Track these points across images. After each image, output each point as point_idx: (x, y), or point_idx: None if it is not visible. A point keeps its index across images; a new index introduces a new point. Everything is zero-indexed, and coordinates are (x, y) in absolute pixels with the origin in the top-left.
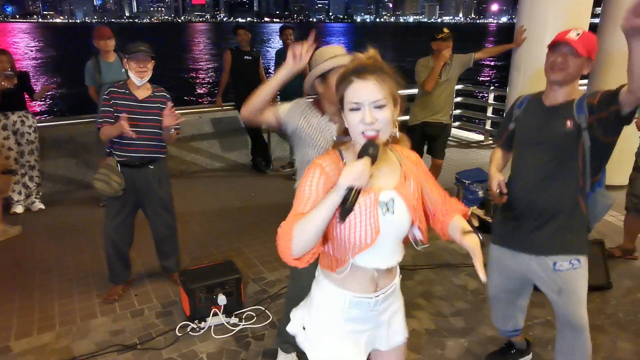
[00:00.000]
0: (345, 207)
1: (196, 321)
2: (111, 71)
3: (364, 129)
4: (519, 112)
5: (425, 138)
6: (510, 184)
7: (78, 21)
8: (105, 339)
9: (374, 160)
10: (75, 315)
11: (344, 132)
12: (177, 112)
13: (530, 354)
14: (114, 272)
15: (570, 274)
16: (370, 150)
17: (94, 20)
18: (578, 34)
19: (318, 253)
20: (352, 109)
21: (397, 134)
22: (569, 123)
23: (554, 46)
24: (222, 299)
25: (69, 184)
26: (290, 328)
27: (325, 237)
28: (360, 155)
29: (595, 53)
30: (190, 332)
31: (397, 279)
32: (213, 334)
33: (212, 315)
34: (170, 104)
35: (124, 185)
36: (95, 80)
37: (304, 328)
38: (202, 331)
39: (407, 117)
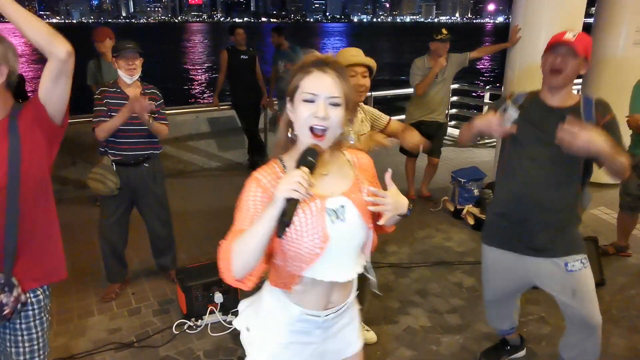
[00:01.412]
0: (283, 220)
1: (193, 319)
2: (112, 71)
3: (314, 123)
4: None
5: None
6: (507, 182)
7: (75, 21)
8: (102, 337)
9: (312, 168)
10: (72, 314)
11: (287, 127)
12: (153, 103)
13: (524, 350)
14: (111, 270)
15: (583, 274)
16: (309, 157)
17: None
18: (574, 35)
19: (261, 275)
20: (305, 100)
21: (352, 139)
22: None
23: (552, 47)
24: (218, 297)
25: (65, 183)
26: (235, 323)
27: (274, 253)
28: (298, 164)
29: (591, 52)
30: (187, 330)
31: (352, 297)
32: (210, 332)
33: (209, 313)
34: (145, 101)
35: (120, 184)
36: (97, 80)
37: (248, 329)
38: (198, 329)
39: (402, 117)
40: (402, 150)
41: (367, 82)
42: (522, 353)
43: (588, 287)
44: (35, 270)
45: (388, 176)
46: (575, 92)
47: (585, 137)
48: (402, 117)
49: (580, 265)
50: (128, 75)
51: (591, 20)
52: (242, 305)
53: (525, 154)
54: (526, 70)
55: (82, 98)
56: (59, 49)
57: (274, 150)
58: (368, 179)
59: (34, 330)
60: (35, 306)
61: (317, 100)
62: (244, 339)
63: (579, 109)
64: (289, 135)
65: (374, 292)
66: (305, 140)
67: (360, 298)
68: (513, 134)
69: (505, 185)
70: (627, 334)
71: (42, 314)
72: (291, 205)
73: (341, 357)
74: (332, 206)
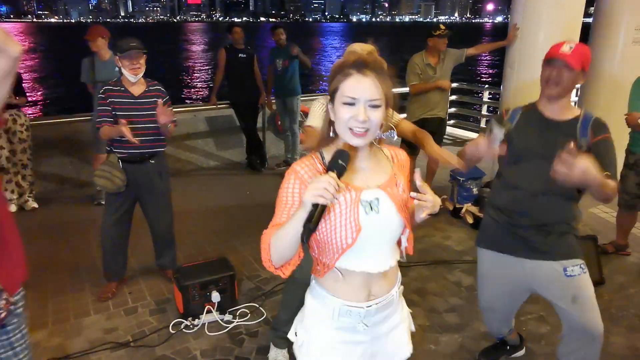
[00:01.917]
0: (308, 226)
1: (190, 318)
2: (106, 69)
3: (354, 125)
4: (511, 125)
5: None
6: (505, 191)
7: (73, 21)
8: (98, 337)
9: (342, 172)
10: (68, 313)
11: (329, 125)
12: (171, 107)
13: (524, 349)
14: (110, 268)
15: (582, 280)
16: (339, 161)
17: (89, 20)
18: (571, 48)
19: (298, 263)
20: (345, 103)
21: (395, 136)
22: (572, 144)
23: (548, 60)
24: (215, 296)
25: (63, 182)
26: (289, 335)
27: (310, 245)
28: (328, 168)
29: (589, 64)
30: (183, 330)
31: (397, 289)
32: (207, 331)
33: (206, 313)
34: (160, 101)
35: (126, 181)
36: (90, 78)
37: (295, 334)
38: (195, 328)
39: (404, 115)
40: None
41: None
42: (521, 352)
43: (588, 292)
44: (17, 270)
45: (417, 175)
46: (573, 103)
47: (581, 168)
48: (404, 115)
49: (579, 270)
50: (133, 74)
51: (590, 20)
52: (296, 318)
53: (523, 165)
54: (525, 68)
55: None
56: (13, 47)
57: (316, 144)
58: (405, 176)
59: (23, 325)
60: (20, 303)
61: (357, 103)
62: (294, 347)
63: (575, 124)
64: (330, 134)
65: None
66: (346, 139)
67: None
68: (511, 145)
69: (503, 193)
70: (626, 332)
71: (24, 312)
72: (318, 211)
73: None
74: (367, 198)
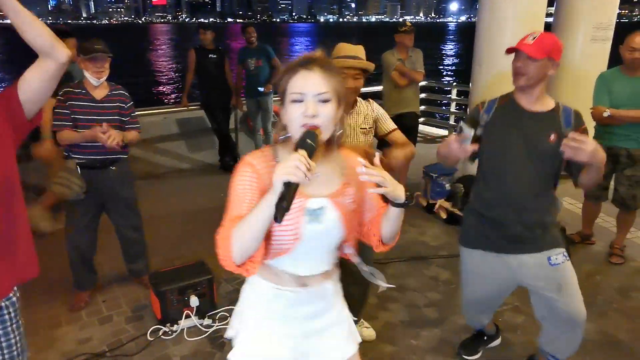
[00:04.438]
0: (282, 205)
1: (168, 324)
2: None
3: (304, 121)
4: (487, 117)
5: (402, 130)
6: (487, 184)
7: None
8: (71, 348)
9: (311, 152)
10: (38, 326)
11: (282, 129)
12: (135, 112)
13: (500, 338)
14: (79, 278)
15: (566, 267)
16: (308, 140)
17: (48, 21)
18: (534, 38)
19: (261, 260)
20: (294, 100)
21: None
22: (552, 136)
23: (515, 53)
24: (194, 301)
25: (29, 189)
26: (226, 333)
27: None
28: (297, 147)
29: (558, 52)
30: (162, 336)
31: (332, 285)
32: (186, 337)
33: (185, 318)
34: (113, 142)
35: (85, 188)
36: None
37: (231, 326)
38: (174, 334)
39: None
40: (380, 146)
41: (359, 83)
42: (497, 341)
43: (572, 280)
44: (8, 273)
45: (377, 161)
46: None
47: (591, 148)
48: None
49: (562, 259)
50: (96, 77)
51: (551, 19)
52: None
53: (504, 157)
54: (493, 65)
55: None
56: (61, 53)
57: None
58: (359, 181)
59: (12, 335)
60: (11, 309)
61: (305, 99)
62: (233, 340)
63: (556, 115)
64: (281, 137)
65: (387, 287)
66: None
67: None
68: (492, 138)
69: (485, 187)
70: (596, 318)
71: (18, 317)
72: (290, 190)
73: None
74: (312, 206)
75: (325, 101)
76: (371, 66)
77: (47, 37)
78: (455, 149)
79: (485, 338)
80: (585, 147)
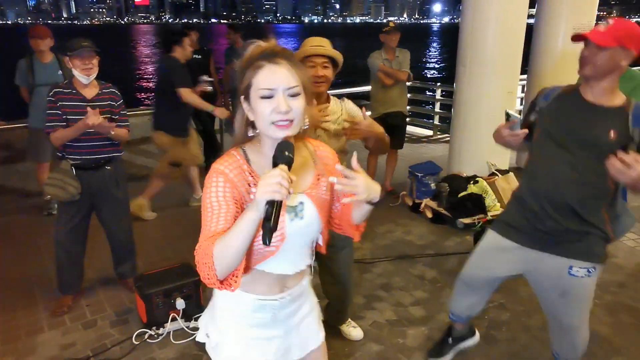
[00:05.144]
0: (270, 225)
1: (154, 328)
2: (46, 72)
3: (276, 118)
4: (544, 104)
5: (389, 128)
6: (531, 178)
7: (10, 22)
8: (54, 354)
9: (290, 164)
10: (19, 332)
11: (247, 125)
12: (125, 111)
13: (475, 338)
14: (65, 281)
15: (583, 282)
16: (286, 153)
17: (27, 22)
18: (606, 25)
19: (243, 272)
20: (263, 97)
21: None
22: (612, 133)
23: (584, 41)
24: (180, 303)
25: (8, 192)
26: (198, 337)
27: None
28: (275, 162)
29: (634, 40)
30: (148, 340)
31: (307, 279)
32: (172, 340)
33: (171, 321)
34: (105, 124)
35: (80, 189)
36: (27, 81)
37: (207, 335)
38: (160, 337)
39: (368, 113)
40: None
41: (328, 72)
42: (472, 341)
43: (583, 295)
44: None
45: (354, 160)
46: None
47: (636, 173)
48: (368, 113)
49: (584, 273)
50: (85, 75)
51: (532, 20)
52: (200, 320)
53: (550, 149)
54: (477, 66)
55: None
56: None
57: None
58: (329, 170)
59: None
60: None
61: (275, 94)
62: (207, 347)
63: (625, 112)
64: (250, 134)
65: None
66: (271, 134)
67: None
68: (544, 126)
69: (531, 176)
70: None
71: None
72: (275, 209)
73: (305, 351)
74: (292, 203)
75: (295, 95)
76: (339, 55)
77: None
78: (507, 135)
79: (451, 341)
80: (630, 172)
